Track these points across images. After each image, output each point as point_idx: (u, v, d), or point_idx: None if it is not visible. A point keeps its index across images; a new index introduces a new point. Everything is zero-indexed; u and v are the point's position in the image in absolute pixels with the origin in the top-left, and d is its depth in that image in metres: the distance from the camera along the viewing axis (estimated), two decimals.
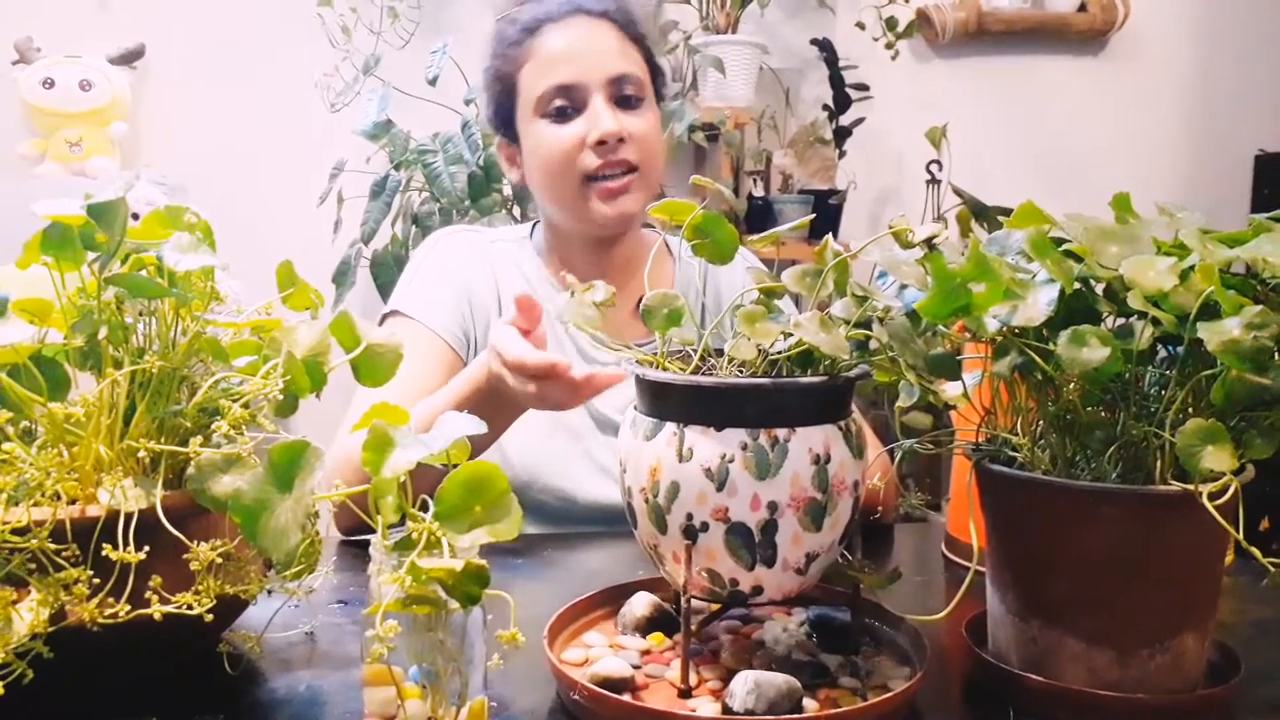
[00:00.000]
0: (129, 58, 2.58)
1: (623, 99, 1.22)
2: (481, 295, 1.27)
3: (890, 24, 2.76)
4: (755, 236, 0.74)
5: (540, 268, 1.31)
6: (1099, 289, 0.68)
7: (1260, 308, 0.59)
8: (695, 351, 0.73)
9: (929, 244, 0.62)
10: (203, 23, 2.63)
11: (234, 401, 0.64)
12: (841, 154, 2.80)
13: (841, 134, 2.77)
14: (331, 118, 2.46)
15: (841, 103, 2.74)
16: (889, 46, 2.79)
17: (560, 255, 1.31)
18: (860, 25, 2.79)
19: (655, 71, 1.29)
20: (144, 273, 0.71)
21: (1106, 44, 3.02)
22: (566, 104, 1.20)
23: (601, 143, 1.19)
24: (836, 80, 2.73)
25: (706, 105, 2.52)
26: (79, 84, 2.48)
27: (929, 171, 2.78)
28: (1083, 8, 2.93)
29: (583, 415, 1.25)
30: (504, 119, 1.28)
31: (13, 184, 2.38)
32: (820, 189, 2.74)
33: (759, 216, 2.66)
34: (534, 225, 1.36)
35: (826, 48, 2.73)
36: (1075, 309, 0.66)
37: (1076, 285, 0.65)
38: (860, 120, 2.78)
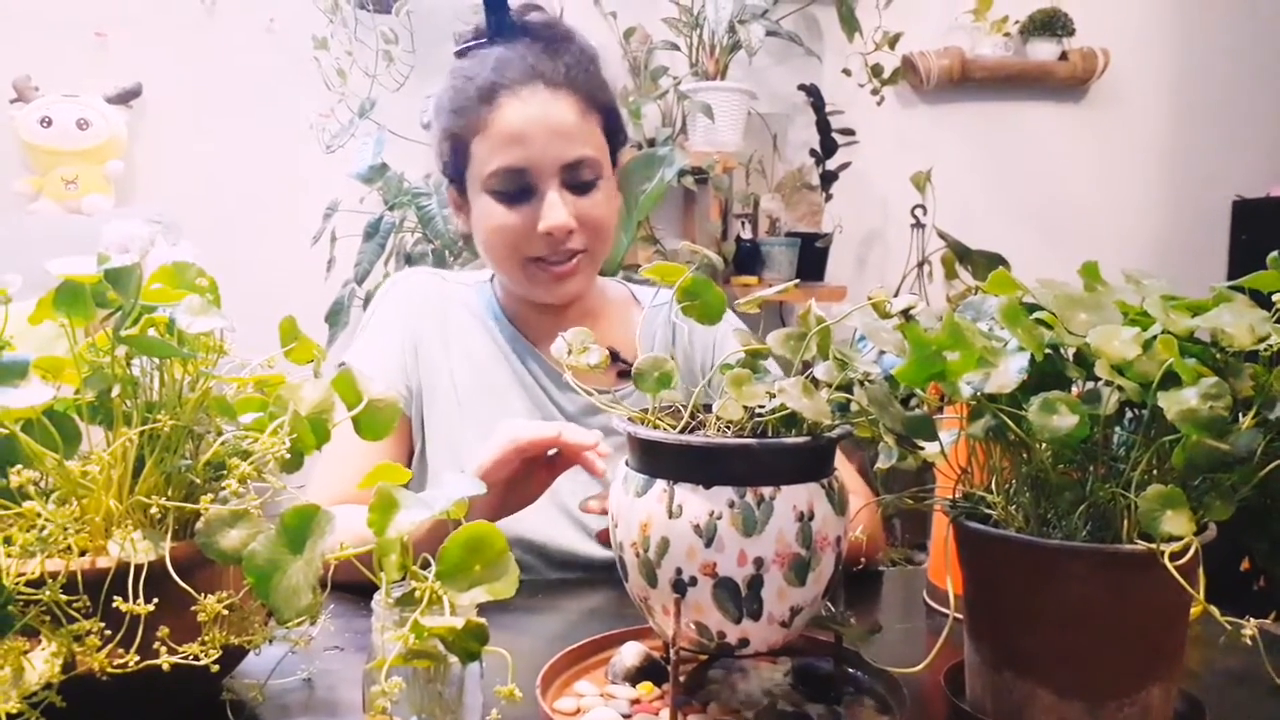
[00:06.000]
0: (126, 97, 2.62)
1: (576, 184, 1.19)
2: (429, 344, 1.27)
3: (876, 71, 2.82)
4: (743, 300, 0.77)
5: (499, 315, 1.31)
6: (1069, 354, 0.72)
7: (1216, 379, 0.62)
8: (685, 408, 0.76)
9: (906, 314, 0.66)
10: (199, 64, 2.67)
11: (242, 459, 0.67)
12: (828, 197, 2.85)
13: (828, 178, 2.82)
14: (326, 159, 2.50)
15: (828, 147, 2.80)
16: (875, 93, 2.85)
17: (514, 307, 1.31)
18: (846, 72, 2.85)
19: (614, 135, 1.26)
20: (153, 331, 0.74)
21: (1087, 92, 3.10)
22: (515, 188, 1.18)
23: (550, 233, 1.18)
24: (823, 125, 2.78)
25: (695, 150, 2.57)
26: (76, 123, 2.51)
27: (914, 215, 2.84)
28: (1064, 56, 3.00)
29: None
30: (456, 173, 1.26)
31: (8, 220, 2.41)
32: (807, 232, 2.79)
33: (747, 259, 2.71)
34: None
35: (813, 94, 2.79)
36: (1046, 373, 0.69)
37: (1047, 351, 0.69)
38: (846, 164, 2.84)
